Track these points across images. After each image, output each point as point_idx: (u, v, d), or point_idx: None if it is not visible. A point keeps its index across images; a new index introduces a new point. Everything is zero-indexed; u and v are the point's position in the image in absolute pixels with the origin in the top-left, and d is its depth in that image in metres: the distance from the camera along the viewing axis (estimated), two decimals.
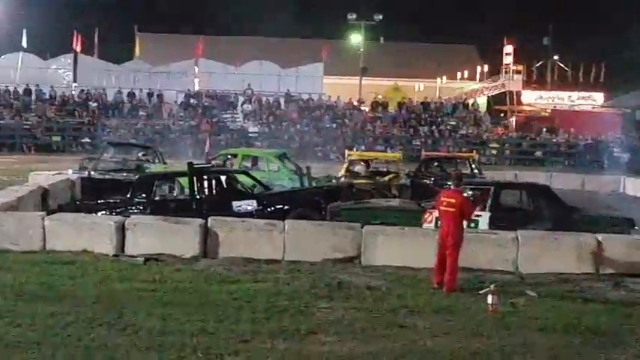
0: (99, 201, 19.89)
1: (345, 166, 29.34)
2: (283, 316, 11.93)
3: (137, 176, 23.55)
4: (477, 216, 17.68)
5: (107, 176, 25.56)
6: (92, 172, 25.89)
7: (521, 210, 18.80)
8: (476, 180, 24.02)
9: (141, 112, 56.88)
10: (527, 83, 77.58)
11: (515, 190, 19.98)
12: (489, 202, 18.39)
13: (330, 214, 18.56)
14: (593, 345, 11.13)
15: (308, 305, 12.65)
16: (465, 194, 16.09)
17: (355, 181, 24.96)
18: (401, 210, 19.00)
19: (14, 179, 24.94)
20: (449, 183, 23.18)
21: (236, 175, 21.25)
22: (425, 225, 17.76)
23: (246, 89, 60.02)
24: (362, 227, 16.44)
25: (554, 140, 58.05)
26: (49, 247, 16.24)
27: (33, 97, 57.32)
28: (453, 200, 14.59)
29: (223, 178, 20.66)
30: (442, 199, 14.88)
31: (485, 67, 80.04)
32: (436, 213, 16.95)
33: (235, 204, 19.03)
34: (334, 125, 56.81)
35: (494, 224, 17.64)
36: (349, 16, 71.28)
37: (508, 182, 18.79)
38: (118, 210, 18.64)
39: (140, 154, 31.21)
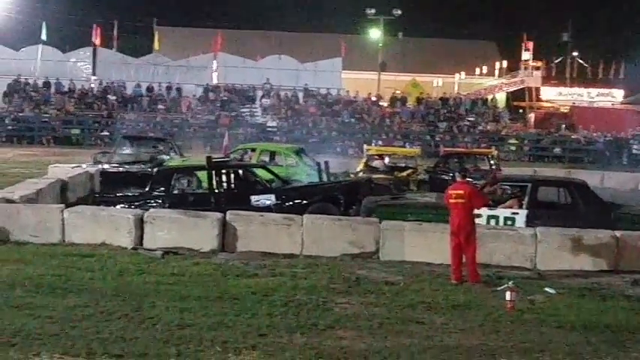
0: (117, 194, 19.95)
1: (364, 161, 29.34)
2: (301, 311, 11.94)
3: (151, 167, 23.62)
4: (514, 214, 17.58)
5: (121, 169, 25.65)
6: (106, 166, 25.98)
7: (559, 207, 18.50)
8: (513, 176, 23.70)
9: (159, 106, 57.02)
10: (547, 79, 77.51)
11: (553, 187, 19.60)
12: (526, 199, 18.15)
13: (365, 211, 18.38)
14: (612, 342, 11.07)
15: (326, 300, 12.65)
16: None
17: (374, 176, 24.92)
18: (437, 207, 18.77)
19: (33, 172, 25.01)
20: (469, 179, 23.17)
21: (254, 169, 21.26)
22: None
23: (264, 83, 60.04)
24: (380, 222, 16.42)
25: (574, 137, 57.85)
26: (68, 239, 16.31)
27: (52, 89, 57.53)
28: (461, 191, 14.73)
29: (242, 172, 20.70)
30: (450, 192, 14.98)
31: (505, 63, 79.92)
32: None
33: (254, 198, 19.06)
34: (353, 120, 56.76)
35: (531, 222, 17.42)
36: (368, 11, 71.20)
37: (545, 179, 18.65)
38: (136, 203, 18.69)
39: (153, 147, 31.27)
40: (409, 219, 17.11)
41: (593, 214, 17.63)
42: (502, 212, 17.68)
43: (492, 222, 17.51)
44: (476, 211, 15.04)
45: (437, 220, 16.77)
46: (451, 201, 14.84)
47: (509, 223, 17.49)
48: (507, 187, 19.28)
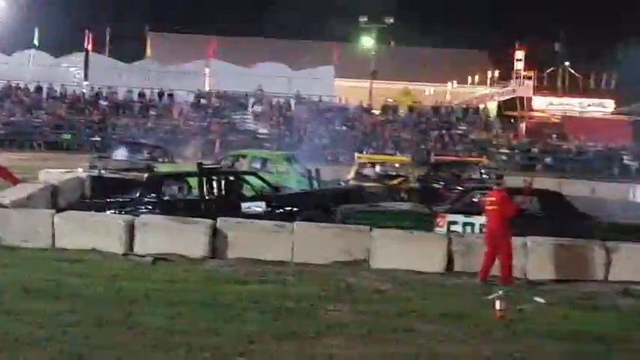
0: (108, 199, 19.88)
1: (355, 169, 29.33)
2: (291, 318, 11.91)
3: (146, 176, 23.55)
4: None
5: (117, 175, 25.55)
6: (102, 171, 25.89)
7: (533, 215, 18.63)
8: (485, 185, 23.94)
9: (151, 112, 57.10)
10: (538, 89, 77.53)
11: (527, 196, 19.80)
12: None
13: (341, 216, 18.51)
14: (602, 352, 11.08)
15: (316, 307, 12.63)
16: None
17: (364, 184, 24.93)
18: (412, 213, 18.98)
19: (24, 176, 24.92)
20: (458, 187, 23.34)
21: (245, 176, 21.25)
22: (437, 229, 17.79)
23: (256, 90, 60.05)
24: (371, 230, 16.43)
25: (565, 147, 57.98)
26: (58, 244, 16.25)
27: (44, 94, 57.48)
28: (494, 199, 15.29)
29: (232, 178, 20.66)
30: (487, 199, 15.73)
31: (496, 73, 79.99)
32: (448, 218, 17.40)
33: (244, 205, 19.02)
34: (344, 128, 56.78)
35: None
36: (360, 19, 71.21)
37: (518, 188, 18.72)
38: (127, 209, 18.63)
39: (148, 154, 31.22)
40: (384, 225, 17.17)
41: (565, 223, 17.81)
42: (478, 220, 17.82)
43: (468, 229, 17.78)
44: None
45: (412, 227, 17.09)
46: (486, 207, 15.51)
47: (484, 230, 17.60)
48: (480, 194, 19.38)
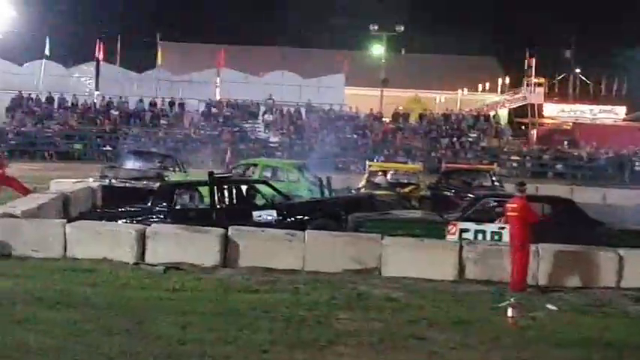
0: (120, 209, 19.91)
1: (366, 177, 29.31)
2: (302, 327, 11.92)
3: (157, 184, 23.59)
4: (501, 228, 17.63)
5: (128, 184, 25.61)
6: (113, 181, 25.94)
7: (543, 223, 18.57)
8: (497, 192, 23.93)
9: (162, 121, 57.17)
10: (549, 96, 77.45)
11: (538, 203, 19.72)
12: None
13: (352, 225, 18.48)
14: (613, 359, 11.06)
15: (327, 316, 12.62)
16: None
17: (376, 192, 24.90)
18: (424, 221, 18.95)
19: (36, 186, 25.00)
20: (470, 195, 23.27)
21: (256, 184, 21.25)
22: (448, 237, 17.74)
23: (267, 99, 60.11)
24: (382, 238, 16.42)
25: (576, 153, 57.89)
26: (70, 254, 16.28)
27: (55, 104, 57.64)
28: (515, 205, 15.58)
29: (244, 187, 20.67)
30: (508, 205, 15.94)
31: (507, 79, 79.90)
32: (459, 225, 17.39)
33: (255, 214, 19.02)
34: (355, 136, 56.78)
35: None
36: (371, 27, 71.18)
37: (530, 195, 18.66)
38: (138, 218, 18.65)
39: (159, 163, 31.34)
40: (396, 233, 17.15)
41: (577, 231, 17.72)
42: (489, 227, 17.80)
43: (480, 236, 17.72)
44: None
45: (423, 235, 17.12)
46: (508, 214, 15.86)
47: (496, 237, 17.59)
48: (494, 203, 19.33)
